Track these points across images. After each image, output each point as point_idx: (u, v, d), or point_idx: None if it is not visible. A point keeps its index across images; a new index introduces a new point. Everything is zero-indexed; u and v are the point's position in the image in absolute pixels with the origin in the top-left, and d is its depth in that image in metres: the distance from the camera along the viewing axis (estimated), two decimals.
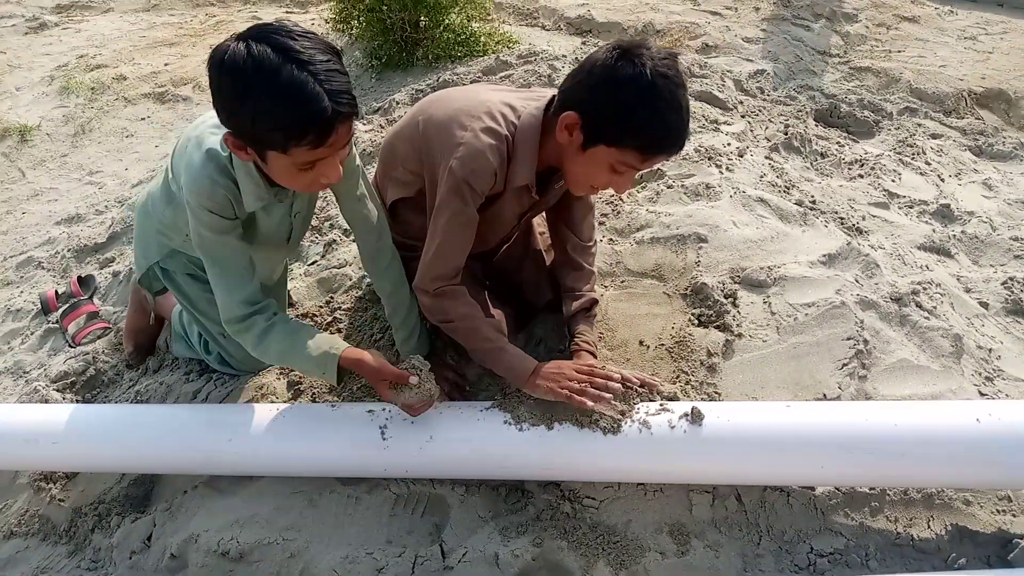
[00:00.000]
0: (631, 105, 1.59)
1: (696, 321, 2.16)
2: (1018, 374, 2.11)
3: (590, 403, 1.74)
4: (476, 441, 1.83)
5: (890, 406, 1.70)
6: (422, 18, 4.51)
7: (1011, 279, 2.45)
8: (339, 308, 2.55)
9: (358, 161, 1.97)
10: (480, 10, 4.84)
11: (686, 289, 2.26)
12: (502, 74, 3.93)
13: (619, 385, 1.80)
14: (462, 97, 1.88)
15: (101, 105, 4.85)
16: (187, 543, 1.94)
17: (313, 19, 5.53)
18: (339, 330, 2.46)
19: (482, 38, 4.59)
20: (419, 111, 1.98)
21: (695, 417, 1.72)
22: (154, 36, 5.65)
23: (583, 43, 4.87)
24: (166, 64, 5.25)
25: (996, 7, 5.36)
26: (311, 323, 2.50)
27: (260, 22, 1.52)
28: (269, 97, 1.45)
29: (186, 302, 2.24)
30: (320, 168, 1.61)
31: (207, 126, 1.80)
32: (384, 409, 1.94)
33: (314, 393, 2.25)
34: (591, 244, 2.17)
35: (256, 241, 1.98)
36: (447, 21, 4.57)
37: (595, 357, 1.98)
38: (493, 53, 4.41)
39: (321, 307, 2.56)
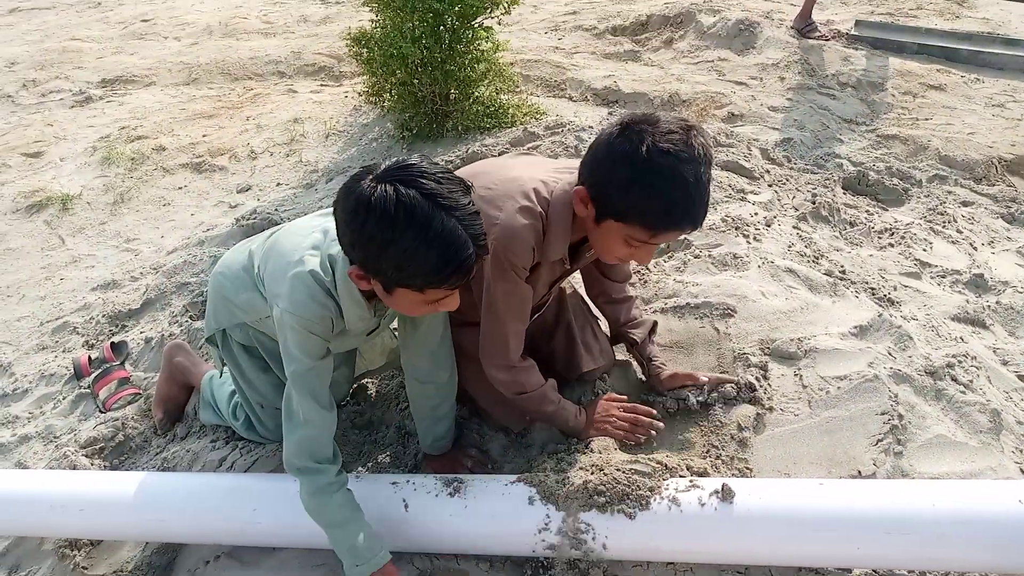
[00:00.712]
0: (627, 183, 1.60)
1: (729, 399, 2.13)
2: None
3: (641, 438, 2.03)
4: (501, 516, 1.80)
5: (928, 485, 1.65)
6: (452, 91, 4.63)
7: None
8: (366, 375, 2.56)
9: None
10: (508, 83, 4.96)
11: (717, 360, 2.24)
12: (529, 144, 4.00)
13: (661, 424, 2.06)
14: (495, 174, 1.90)
15: (140, 175, 5.00)
16: None
17: (347, 92, 5.70)
18: (367, 397, 2.46)
19: (510, 110, 4.69)
20: None
21: (726, 495, 1.68)
22: (193, 108, 5.85)
23: (609, 113, 4.95)
24: (204, 135, 5.42)
25: (1022, 74, 5.37)
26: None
27: (398, 160, 1.52)
28: (422, 245, 1.45)
29: (235, 370, 2.24)
30: (444, 301, 1.63)
31: (305, 248, 1.78)
32: (408, 482, 1.92)
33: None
34: (627, 280, 2.29)
35: (340, 338, 1.98)
36: (476, 94, 4.69)
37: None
38: (521, 124, 4.50)
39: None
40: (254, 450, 2.38)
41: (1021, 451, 2.00)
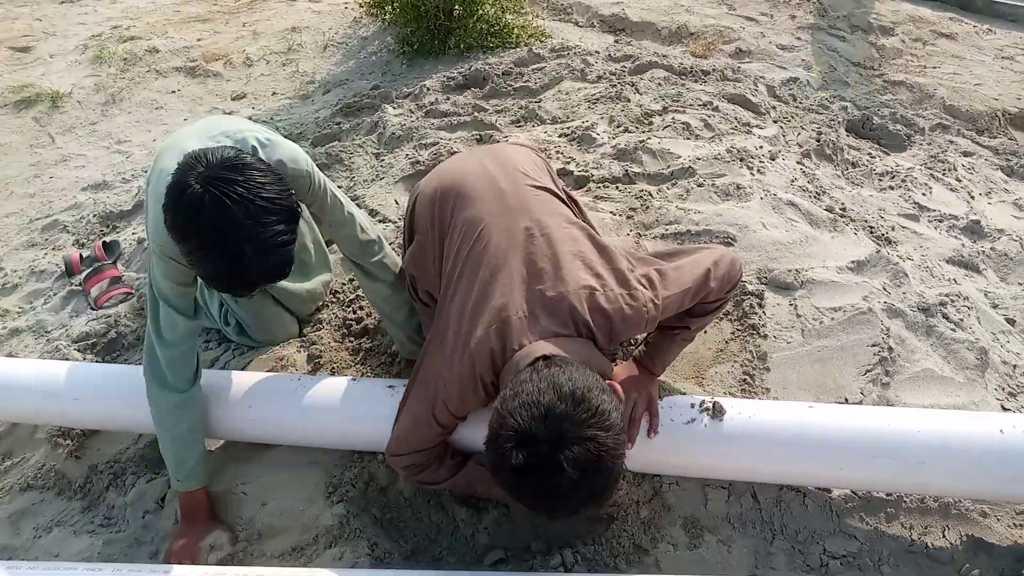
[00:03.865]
0: None
1: (721, 318, 2.15)
2: None
3: None
4: None
5: (913, 412, 1.69)
6: (456, 7, 4.51)
7: None
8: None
9: (330, 196, 2.01)
10: (514, 2, 4.83)
11: None
12: (534, 66, 3.93)
13: None
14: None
15: (132, 76, 4.88)
16: None
17: (347, 3, 5.54)
18: (360, 307, 2.47)
19: (515, 30, 4.58)
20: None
21: (716, 412, 1.72)
22: (188, 11, 5.68)
23: (616, 40, 4.85)
24: (198, 39, 5.28)
25: None
26: (332, 298, 2.52)
27: (230, 160, 1.53)
28: (204, 255, 1.53)
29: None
30: None
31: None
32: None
33: (333, 368, 2.26)
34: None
35: None
36: (481, 11, 4.57)
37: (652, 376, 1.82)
38: (525, 45, 4.40)
39: (344, 284, 2.57)
40: (247, 353, 2.39)
41: (1004, 389, 2.05)
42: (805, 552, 1.73)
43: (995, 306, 2.40)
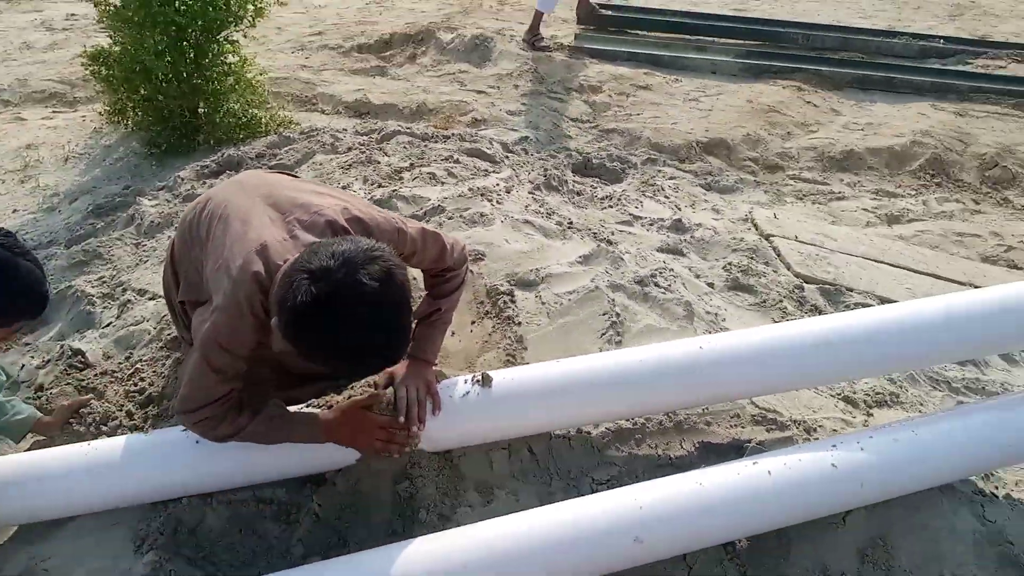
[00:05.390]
0: None
1: (483, 317, 2.46)
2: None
3: (396, 456, 1.93)
4: None
5: (634, 349, 2.08)
6: (200, 105, 4.65)
7: (730, 264, 3.01)
8: (140, 360, 2.59)
9: None
10: (259, 96, 5.03)
11: (472, 295, 2.57)
12: (286, 147, 4.15)
13: (419, 436, 1.89)
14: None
15: None
16: None
17: (84, 116, 5.48)
18: (142, 378, 2.50)
19: (263, 121, 4.79)
20: None
21: (485, 381, 1.99)
22: None
23: (362, 122, 5.22)
24: None
25: (710, 74, 6.40)
26: (110, 379, 2.54)
27: None
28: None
29: None
30: None
31: None
32: None
33: None
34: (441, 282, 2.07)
35: None
36: (226, 106, 4.73)
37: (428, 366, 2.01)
38: (275, 134, 4.61)
39: (121, 363, 2.59)
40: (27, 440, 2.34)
41: (710, 332, 2.52)
42: (578, 485, 2.03)
43: (698, 276, 2.94)
